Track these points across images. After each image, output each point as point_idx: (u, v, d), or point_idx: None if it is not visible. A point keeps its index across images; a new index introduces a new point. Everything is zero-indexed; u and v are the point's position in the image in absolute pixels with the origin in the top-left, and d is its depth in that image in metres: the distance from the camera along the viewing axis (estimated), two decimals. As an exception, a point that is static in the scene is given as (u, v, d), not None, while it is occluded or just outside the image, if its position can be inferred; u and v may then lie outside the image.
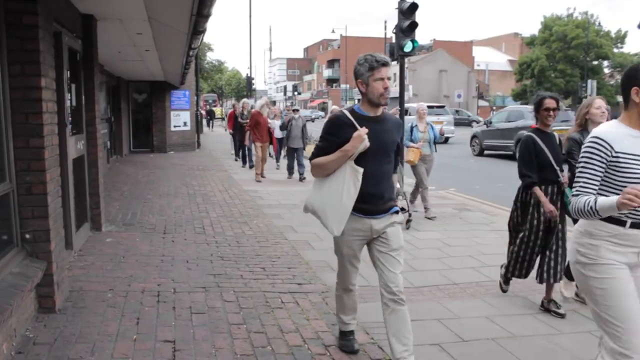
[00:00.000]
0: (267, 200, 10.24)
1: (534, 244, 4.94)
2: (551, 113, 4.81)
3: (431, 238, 7.50)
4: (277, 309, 4.75)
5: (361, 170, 3.41)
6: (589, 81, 45.04)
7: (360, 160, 3.43)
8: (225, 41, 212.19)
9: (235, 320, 4.47)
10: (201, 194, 10.89)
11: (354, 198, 3.44)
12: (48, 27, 4.55)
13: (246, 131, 13.82)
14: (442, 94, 60.32)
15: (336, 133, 3.49)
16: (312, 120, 47.18)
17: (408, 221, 8.10)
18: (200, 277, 5.54)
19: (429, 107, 16.72)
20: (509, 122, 19.86)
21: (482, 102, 62.25)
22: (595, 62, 56.75)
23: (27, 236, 4.32)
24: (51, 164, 4.47)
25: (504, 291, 5.31)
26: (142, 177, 13.30)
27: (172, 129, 20.61)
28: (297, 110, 14.47)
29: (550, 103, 4.82)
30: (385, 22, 57.70)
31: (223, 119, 52.66)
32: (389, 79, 3.47)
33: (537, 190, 4.80)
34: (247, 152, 16.07)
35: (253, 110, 14.30)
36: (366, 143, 3.38)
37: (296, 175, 13.47)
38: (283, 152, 17.17)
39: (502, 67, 77.82)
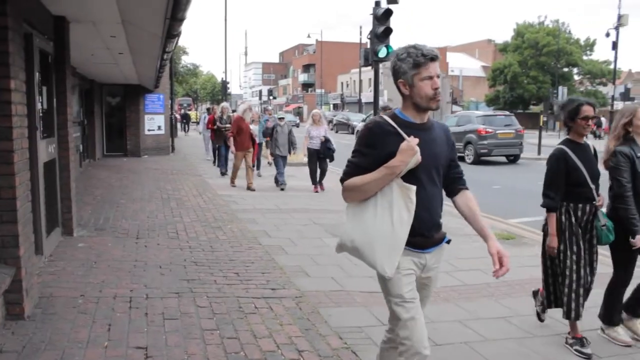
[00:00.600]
0: (242, 205, 10.20)
1: (584, 272, 4.28)
2: (589, 122, 4.21)
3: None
4: (251, 315, 4.73)
5: (414, 188, 2.75)
6: (560, 87, 45.78)
7: (406, 180, 2.78)
8: (200, 45, 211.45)
9: (209, 326, 4.44)
10: (175, 198, 10.81)
11: (408, 225, 2.77)
12: (18, 29, 4.47)
13: (229, 137, 12.96)
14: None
15: (376, 144, 2.79)
16: (297, 125, 46.39)
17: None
18: (173, 283, 5.49)
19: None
20: (459, 126, 21.19)
21: (455, 108, 62.78)
22: (566, 69, 57.75)
23: (-5, 241, 4.23)
24: (20, 168, 4.39)
25: (542, 320, 4.78)
26: (115, 181, 13.14)
27: (146, 132, 20.40)
28: (283, 118, 13.64)
29: (588, 110, 4.19)
30: (361, 27, 57.93)
31: (197, 122, 52.43)
32: (438, 76, 2.82)
33: (552, 219, 4.27)
34: (222, 157, 15.49)
35: (235, 115, 13.72)
36: (418, 157, 2.73)
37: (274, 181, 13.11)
38: (264, 161, 16.69)
39: (476, 72, 78.69)
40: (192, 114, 50.24)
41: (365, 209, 2.84)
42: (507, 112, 25.97)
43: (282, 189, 12.45)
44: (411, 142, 2.72)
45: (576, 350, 4.24)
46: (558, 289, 4.43)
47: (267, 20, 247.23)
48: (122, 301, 4.91)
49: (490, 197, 12.19)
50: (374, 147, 2.80)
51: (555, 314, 4.83)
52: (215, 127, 15.85)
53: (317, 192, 12.21)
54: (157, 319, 4.54)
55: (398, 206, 2.76)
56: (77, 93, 14.39)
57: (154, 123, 20.53)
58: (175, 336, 4.20)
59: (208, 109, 18.98)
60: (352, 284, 5.68)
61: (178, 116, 39.30)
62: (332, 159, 12.48)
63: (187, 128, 42.57)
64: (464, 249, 7.29)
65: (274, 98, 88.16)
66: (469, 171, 18.64)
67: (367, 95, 53.55)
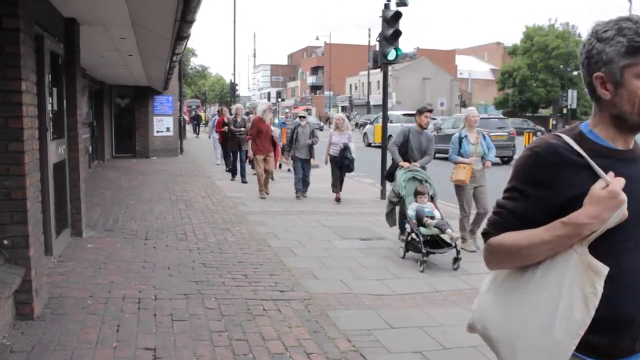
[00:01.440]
0: (250, 207, 10.21)
1: None
2: None
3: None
4: (259, 317, 4.73)
5: (604, 271, 1.60)
6: (570, 91, 45.68)
7: (598, 246, 1.63)
8: (209, 47, 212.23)
9: (217, 327, 4.44)
10: (184, 199, 10.83)
11: (580, 327, 1.62)
12: (29, 31, 4.50)
13: (247, 141, 11.69)
14: (425, 102, 60.62)
15: (550, 182, 1.67)
16: (321, 128, 39.99)
17: (457, 259, 6.58)
18: (181, 284, 5.50)
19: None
20: (454, 128, 21.71)
21: (465, 111, 62.80)
22: (575, 73, 57.46)
23: (6, 242, 4.25)
24: (31, 169, 4.41)
25: None
26: (124, 183, 13.18)
27: (155, 134, 20.47)
28: (304, 117, 12.26)
29: None
30: (369, 29, 57.92)
31: (206, 124, 52.46)
32: None
33: None
34: (240, 163, 13.90)
35: (254, 116, 12.41)
36: (624, 210, 1.59)
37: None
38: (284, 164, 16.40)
39: (485, 75, 78.57)
40: (201, 114, 49.92)
41: (515, 285, 1.78)
42: (501, 116, 27.67)
43: (297, 197, 11.43)
44: (614, 185, 1.58)
45: None
46: None
47: (276, 23, 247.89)
48: (131, 302, 4.92)
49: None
50: (546, 187, 1.67)
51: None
52: (224, 129, 14.68)
53: (339, 200, 11.17)
54: (165, 320, 4.55)
55: (570, 294, 1.63)
56: (87, 94, 14.47)
57: (162, 125, 20.60)
58: (184, 337, 4.21)
59: (218, 111, 17.39)
60: (361, 287, 5.67)
61: (187, 118, 39.20)
62: (349, 169, 11.22)
63: (198, 130, 40.64)
64: (473, 252, 7.26)
65: (282, 100, 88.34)
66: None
67: (376, 98, 53.51)
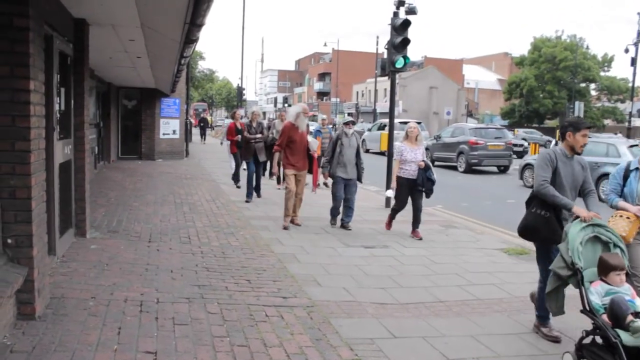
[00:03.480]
0: (254, 212, 10.18)
1: None
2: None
3: (417, 255, 7.48)
4: (261, 323, 4.70)
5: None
6: (577, 103, 45.54)
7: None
8: (217, 50, 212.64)
9: (219, 332, 4.42)
10: (188, 203, 10.82)
11: None
12: (39, 30, 4.50)
13: (273, 152, 9.39)
14: (432, 111, 60.66)
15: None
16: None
17: None
18: (184, 288, 5.47)
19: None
20: (453, 137, 22.89)
21: (471, 120, 62.72)
22: (583, 85, 57.43)
23: (9, 241, 4.24)
24: (37, 168, 4.40)
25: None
26: (129, 184, 13.20)
27: (161, 136, 20.52)
28: (352, 123, 9.45)
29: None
30: (378, 37, 57.94)
31: (212, 127, 52.46)
32: None
33: None
34: (254, 178, 11.66)
35: (285, 122, 9.53)
36: None
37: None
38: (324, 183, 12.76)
39: (492, 85, 78.50)
40: (208, 118, 48.68)
41: None
42: (498, 126, 29.05)
43: (332, 225, 9.13)
44: None
45: None
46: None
47: (284, 28, 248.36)
48: (133, 305, 4.90)
49: (506, 211, 12.08)
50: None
51: (567, 332, 4.76)
52: (237, 138, 12.52)
53: (416, 238, 8.49)
54: (167, 323, 4.52)
55: None
56: (95, 95, 14.51)
57: (169, 127, 20.65)
58: (185, 342, 4.18)
59: (233, 115, 14.52)
60: (364, 295, 5.63)
61: (194, 121, 38.66)
62: (429, 194, 8.64)
63: (205, 136, 36.71)
64: (477, 262, 7.23)
65: (289, 106, 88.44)
66: (466, 179, 18.72)
67: (382, 105, 53.53)
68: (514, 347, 4.57)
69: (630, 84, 40.01)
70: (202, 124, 37.23)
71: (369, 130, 32.43)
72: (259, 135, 11.62)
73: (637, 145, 15.40)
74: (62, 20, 6.15)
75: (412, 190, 8.56)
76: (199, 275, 5.97)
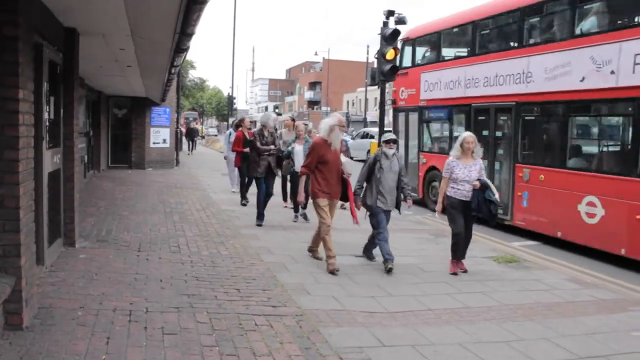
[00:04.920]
0: (244, 221, 10.16)
1: None
2: None
3: (407, 263, 7.50)
4: (251, 332, 4.70)
5: None
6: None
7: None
8: (207, 59, 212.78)
9: (208, 342, 4.41)
10: (178, 212, 10.79)
11: None
12: (29, 39, 4.50)
13: (300, 176, 7.58)
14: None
15: None
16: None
17: None
18: (173, 297, 5.46)
19: None
20: None
21: (461, 129, 63.13)
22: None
23: (-3, 250, 4.22)
24: (25, 178, 4.39)
25: None
26: (118, 193, 13.15)
27: (151, 145, 20.48)
28: (393, 141, 7.36)
29: None
30: (368, 46, 58.28)
31: (203, 137, 52.33)
32: None
33: None
34: (263, 198, 9.95)
35: (315, 137, 7.81)
36: None
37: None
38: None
39: (482, 95, 78.89)
40: (199, 127, 47.48)
41: None
42: None
43: (388, 270, 6.92)
44: None
45: None
46: None
47: (275, 37, 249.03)
48: (122, 314, 4.88)
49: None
50: None
51: (563, 343, 4.79)
52: (245, 149, 11.33)
53: (460, 271, 7.17)
54: (156, 333, 4.51)
55: None
56: (84, 104, 14.46)
57: (159, 136, 20.61)
58: (174, 352, 4.17)
59: (237, 124, 13.38)
60: (353, 304, 5.64)
61: (184, 130, 38.10)
62: (493, 220, 7.27)
63: (192, 146, 33.74)
64: (467, 271, 7.25)
65: (279, 114, 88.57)
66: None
67: (373, 115, 53.69)
68: (504, 355, 4.59)
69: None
70: (189, 136, 33.79)
71: (353, 138, 32.85)
72: (272, 147, 9.98)
73: None
74: (52, 29, 6.16)
75: (465, 214, 7.18)
76: (189, 284, 5.95)
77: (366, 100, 54.32)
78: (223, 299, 5.50)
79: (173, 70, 11.14)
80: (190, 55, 63.19)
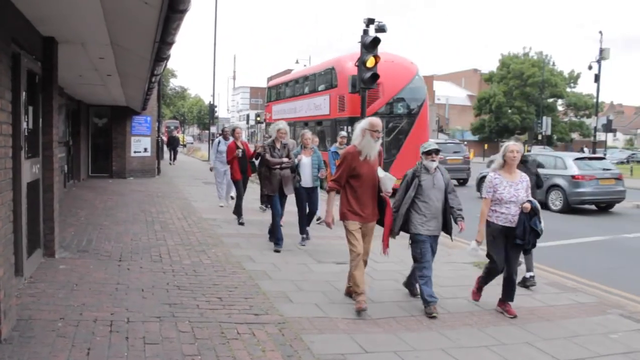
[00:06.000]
0: (226, 229, 10.14)
1: None
2: None
3: (389, 270, 7.53)
4: (233, 340, 4.69)
5: None
6: (544, 118, 46.53)
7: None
8: (188, 68, 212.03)
9: (190, 351, 4.39)
10: (159, 221, 10.73)
11: None
12: (5, 49, 4.48)
13: (328, 191, 6.15)
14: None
15: None
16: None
17: None
18: (155, 307, 5.43)
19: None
20: None
21: (442, 136, 63.50)
22: (550, 100, 58.61)
23: (-25, 262, 4.17)
24: (3, 188, 4.35)
25: None
26: (99, 203, 13.03)
27: (132, 154, 20.33)
28: (436, 152, 6.02)
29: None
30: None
31: (184, 145, 52.10)
32: None
33: None
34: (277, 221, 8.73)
35: (348, 147, 6.18)
36: None
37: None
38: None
39: (462, 101, 79.55)
40: (180, 136, 45.70)
41: None
42: (457, 141, 32.91)
43: (432, 314, 5.66)
44: None
45: None
46: None
47: (256, 45, 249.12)
48: (103, 325, 4.84)
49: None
50: None
51: (538, 343, 4.84)
52: (254, 161, 10.58)
53: (512, 315, 5.77)
54: (137, 343, 4.48)
55: None
56: (64, 114, 14.36)
57: (140, 145, 20.47)
58: (156, 361, 4.14)
59: (224, 131, 13.08)
60: (336, 311, 5.65)
61: (165, 138, 37.66)
62: (529, 250, 6.28)
63: (174, 156, 31.54)
64: (448, 277, 7.30)
65: (260, 122, 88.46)
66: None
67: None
68: (484, 360, 4.63)
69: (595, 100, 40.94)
70: (170, 146, 32.10)
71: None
72: (285, 160, 8.72)
73: (585, 157, 17.35)
74: (30, 38, 6.11)
75: (508, 243, 5.89)
76: (170, 293, 5.92)
77: (348, 107, 54.55)
78: (205, 308, 5.49)
79: (154, 79, 11.09)
80: (171, 64, 62.94)
